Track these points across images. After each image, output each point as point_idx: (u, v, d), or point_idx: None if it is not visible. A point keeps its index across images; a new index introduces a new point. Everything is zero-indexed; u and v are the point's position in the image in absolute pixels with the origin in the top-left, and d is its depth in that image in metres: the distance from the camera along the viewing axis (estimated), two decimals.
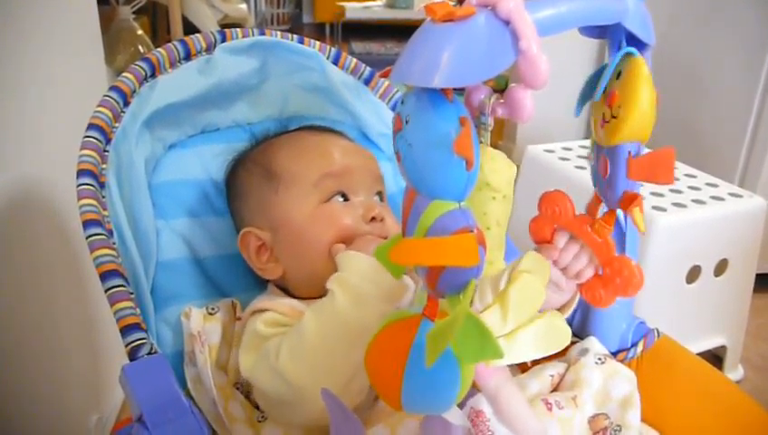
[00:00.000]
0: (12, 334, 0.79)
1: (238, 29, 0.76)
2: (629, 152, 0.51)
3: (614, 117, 0.47)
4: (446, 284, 0.34)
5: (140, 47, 1.86)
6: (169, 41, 0.74)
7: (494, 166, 0.44)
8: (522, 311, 0.46)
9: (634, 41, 0.49)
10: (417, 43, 0.33)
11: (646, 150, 0.51)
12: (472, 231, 0.34)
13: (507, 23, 0.34)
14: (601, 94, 0.47)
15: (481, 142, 0.42)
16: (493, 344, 0.33)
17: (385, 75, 0.34)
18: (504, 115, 0.36)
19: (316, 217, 0.62)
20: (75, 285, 0.99)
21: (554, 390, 0.60)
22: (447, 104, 0.34)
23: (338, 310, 0.53)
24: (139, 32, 1.92)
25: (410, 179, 0.36)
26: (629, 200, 0.51)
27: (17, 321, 0.81)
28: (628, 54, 0.46)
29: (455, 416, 0.37)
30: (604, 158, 0.52)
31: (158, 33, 2.67)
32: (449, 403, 0.35)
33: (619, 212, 0.63)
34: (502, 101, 0.36)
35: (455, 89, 0.35)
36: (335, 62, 0.79)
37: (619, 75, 0.47)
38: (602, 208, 0.56)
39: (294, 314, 0.60)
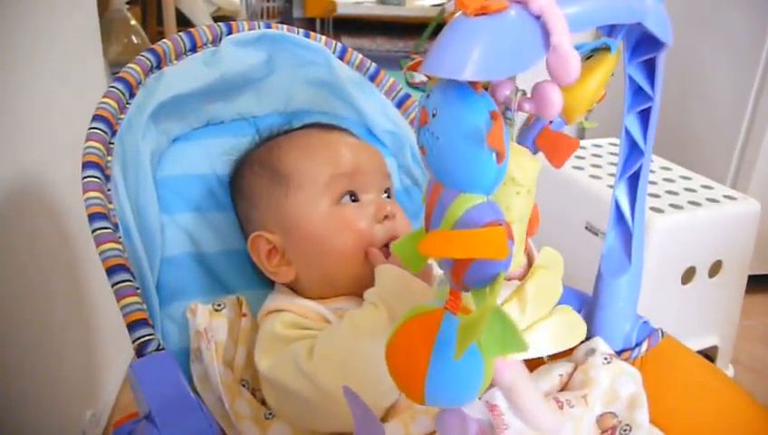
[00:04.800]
0: (6, 330, 0.78)
1: (244, 21, 0.75)
2: (550, 121, 0.53)
3: None
4: (473, 277, 0.34)
5: (134, 38, 1.82)
6: (160, 32, 0.73)
7: (519, 161, 0.44)
8: (539, 306, 0.46)
9: (651, 40, 0.50)
10: (448, 36, 0.33)
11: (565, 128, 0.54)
12: (501, 224, 0.33)
13: (538, 17, 0.33)
14: None
15: None
16: (517, 338, 0.33)
17: (414, 68, 0.33)
18: (530, 111, 0.36)
19: (330, 221, 0.61)
20: (70, 281, 0.98)
21: (562, 389, 0.60)
22: (477, 97, 0.34)
23: (380, 325, 0.53)
24: (133, 22, 1.87)
25: (436, 173, 0.35)
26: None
27: (12, 317, 0.79)
28: (605, 45, 0.47)
29: (477, 409, 0.37)
30: None
31: (148, 25, 2.62)
32: (472, 396, 0.35)
33: (628, 218, 0.64)
34: (528, 96, 0.36)
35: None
36: (341, 58, 0.79)
37: (588, 57, 0.48)
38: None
39: (313, 316, 0.59)
